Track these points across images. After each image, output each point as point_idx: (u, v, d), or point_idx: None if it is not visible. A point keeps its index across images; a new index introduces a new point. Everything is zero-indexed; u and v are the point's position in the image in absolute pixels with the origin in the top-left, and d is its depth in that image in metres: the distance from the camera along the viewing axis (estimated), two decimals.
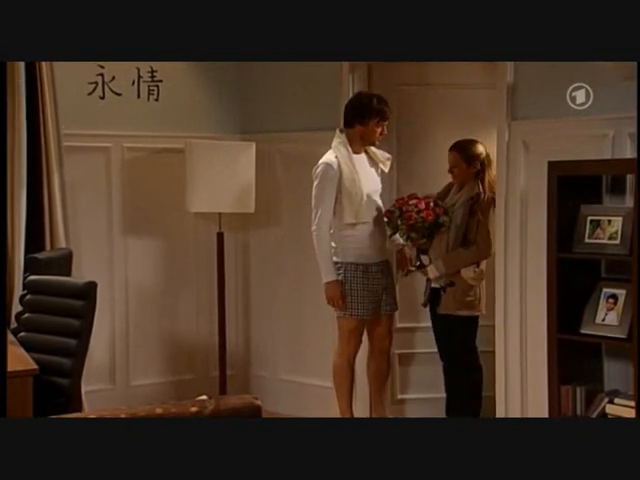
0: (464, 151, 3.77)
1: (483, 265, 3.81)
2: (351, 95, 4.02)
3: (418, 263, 3.86)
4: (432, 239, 3.77)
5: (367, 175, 3.83)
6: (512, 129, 3.61)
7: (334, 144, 3.80)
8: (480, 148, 3.79)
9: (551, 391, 3.30)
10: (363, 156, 3.88)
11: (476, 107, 4.13)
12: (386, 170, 3.93)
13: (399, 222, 3.74)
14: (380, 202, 3.88)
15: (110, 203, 4.39)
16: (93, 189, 4.35)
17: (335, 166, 3.74)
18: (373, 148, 3.89)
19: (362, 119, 3.78)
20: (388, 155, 3.94)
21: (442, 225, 3.74)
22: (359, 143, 3.83)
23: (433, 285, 3.82)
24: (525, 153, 3.59)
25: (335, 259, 3.80)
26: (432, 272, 3.77)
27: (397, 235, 3.85)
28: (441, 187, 3.96)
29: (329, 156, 3.78)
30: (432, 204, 3.73)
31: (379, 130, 3.80)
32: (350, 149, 3.78)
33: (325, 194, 3.75)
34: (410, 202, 3.73)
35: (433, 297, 3.86)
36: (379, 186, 3.91)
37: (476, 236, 3.73)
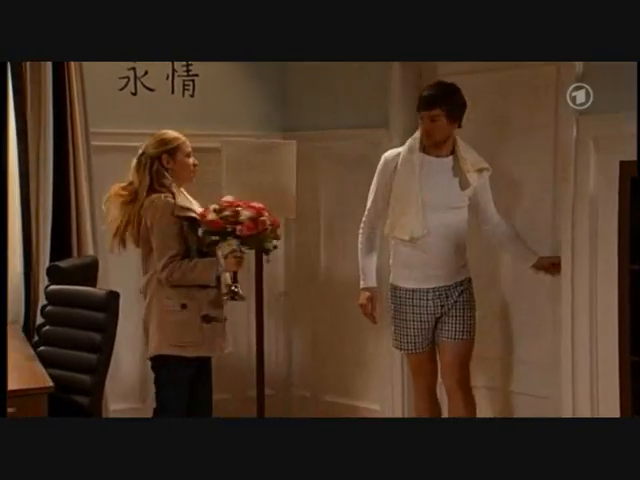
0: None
1: None
2: (401, 87, 3.93)
3: (234, 287, 3.45)
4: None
5: (436, 184, 3.42)
6: (580, 124, 3.47)
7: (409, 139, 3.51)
8: None
9: None
10: (445, 160, 3.45)
11: (538, 94, 3.93)
12: (473, 183, 3.44)
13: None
14: (453, 219, 3.46)
15: None
16: None
17: (392, 161, 3.47)
18: (464, 153, 3.44)
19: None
20: (483, 165, 3.47)
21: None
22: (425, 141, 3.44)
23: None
24: (595, 151, 3.44)
25: (390, 280, 3.58)
26: None
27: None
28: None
29: (394, 149, 3.54)
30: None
31: (424, 124, 3.40)
32: (419, 147, 3.42)
33: (375, 189, 3.54)
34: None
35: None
36: (455, 200, 3.46)
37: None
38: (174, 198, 3.34)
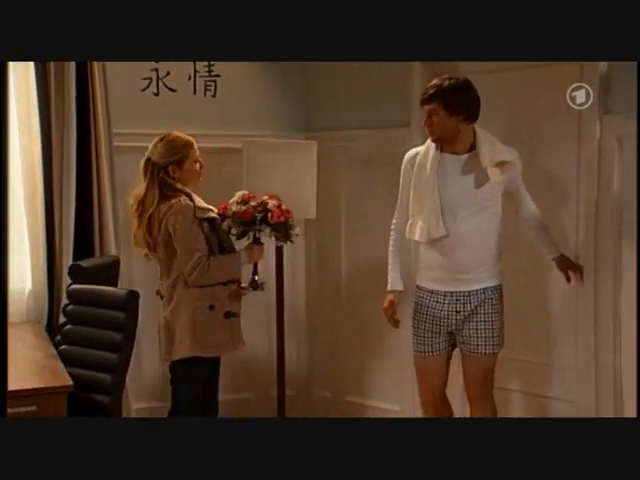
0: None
1: None
2: (422, 86, 3.88)
3: (256, 278, 3.57)
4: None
5: (452, 183, 3.25)
6: (604, 124, 3.43)
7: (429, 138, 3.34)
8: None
9: None
10: (462, 157, 3.26)
11: (561, 92, 3.85)
12: (494, 179, 3.21)
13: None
14: (476, 220, 3.25)
15: None
16: None
17: (410, 161, 3.35)
18: (483, 147, 3.22)
19: None
20: (504, 158, 3.23)
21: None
22: None
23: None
24: (619, 150, 3.40)
25: (416, 280, 3.46)
26: None
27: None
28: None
29: (415, 149, 3.40)
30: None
31: (424, 119, 3.26)
32: (435, 146, 3.26)
33: (400, 190, 3.44)
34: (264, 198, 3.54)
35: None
36: (475, 199, 3.24)
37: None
38: (192, 200, 3.34)
